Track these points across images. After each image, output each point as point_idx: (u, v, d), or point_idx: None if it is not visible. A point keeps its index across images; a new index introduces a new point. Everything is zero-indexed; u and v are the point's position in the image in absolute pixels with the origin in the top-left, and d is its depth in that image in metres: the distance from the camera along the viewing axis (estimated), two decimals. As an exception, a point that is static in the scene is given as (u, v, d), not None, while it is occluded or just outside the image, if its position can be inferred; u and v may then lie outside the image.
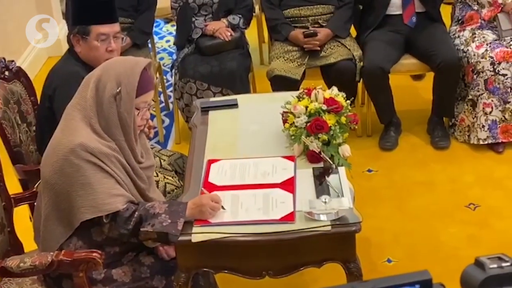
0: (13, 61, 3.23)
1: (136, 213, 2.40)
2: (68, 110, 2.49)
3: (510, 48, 4.14)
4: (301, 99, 2.87)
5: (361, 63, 4.28)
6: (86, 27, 3.06)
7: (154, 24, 4.97)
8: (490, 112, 4.18)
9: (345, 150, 2.79)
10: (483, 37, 4.24)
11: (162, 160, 3.19)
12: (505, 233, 3.56)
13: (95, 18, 3.07)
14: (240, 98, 3.42)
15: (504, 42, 4.20)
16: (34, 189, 2.90)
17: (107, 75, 2.45)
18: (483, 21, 4.33)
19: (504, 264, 0.97)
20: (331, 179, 2.60)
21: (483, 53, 4.15)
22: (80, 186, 2.38)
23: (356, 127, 2.95)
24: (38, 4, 5.76)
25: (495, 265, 0.98)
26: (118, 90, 2.41)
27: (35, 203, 2.65)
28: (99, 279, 2.51)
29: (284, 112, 2.91)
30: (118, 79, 2.42)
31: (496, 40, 4.23)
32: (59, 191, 2.42)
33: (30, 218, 3.11)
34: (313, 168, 2.73)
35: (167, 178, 3.10)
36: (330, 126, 2.76)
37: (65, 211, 2.44)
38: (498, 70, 4.11)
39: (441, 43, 4.28)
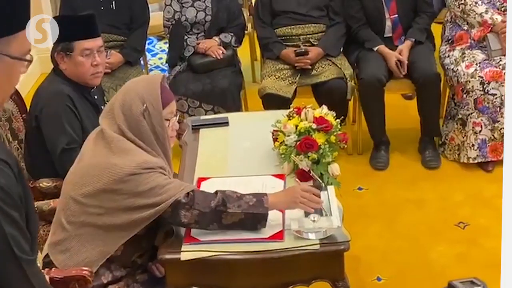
0: (5, 78, 3.23)
1: (218, 194, 2.46)
2: (113, 140, 2.47)
3: (500, 68, 4.17)
4: (291, 118, 2.88)
5: (352, 82, 4.31)
6: (70, 43, 3.07)
7: (147, 42, 4.99)
8: (480, 131, 4.21)
9: (335, 169, 2.80)
10: (473, 56, 4.27)
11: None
12: (494, 252, 3.54)
13: (78, 34, 3.08)
14: (231, 116, 3.44)
15: (494, 62, 4.23)
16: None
17: (128, 97, 2.49)
18: (473, 41, 4.36)
19: (475, 289, 0.98)
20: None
21: (472, 72, 4.17)
22: (148, 191, 2.39)
23: (346, 145, 2.97)
24: (31, 20, 5.77)
25: (467, 289, 0.99)
26: (144, 107, 2.45)
27: (54, 223, 2.56)
28: None
29: (274, 130, 2.93)
30: (141, 97, 2.47)
31: (485, 60, 4.25)
32: (116, 206, 2.41)
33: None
34: (302, 186, 2.74)
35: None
36: (320, 145, 2.78)
37: (119, 225, 2.42)
38: (487, 90, 4.14)
39: (421, 57, 4.31)
